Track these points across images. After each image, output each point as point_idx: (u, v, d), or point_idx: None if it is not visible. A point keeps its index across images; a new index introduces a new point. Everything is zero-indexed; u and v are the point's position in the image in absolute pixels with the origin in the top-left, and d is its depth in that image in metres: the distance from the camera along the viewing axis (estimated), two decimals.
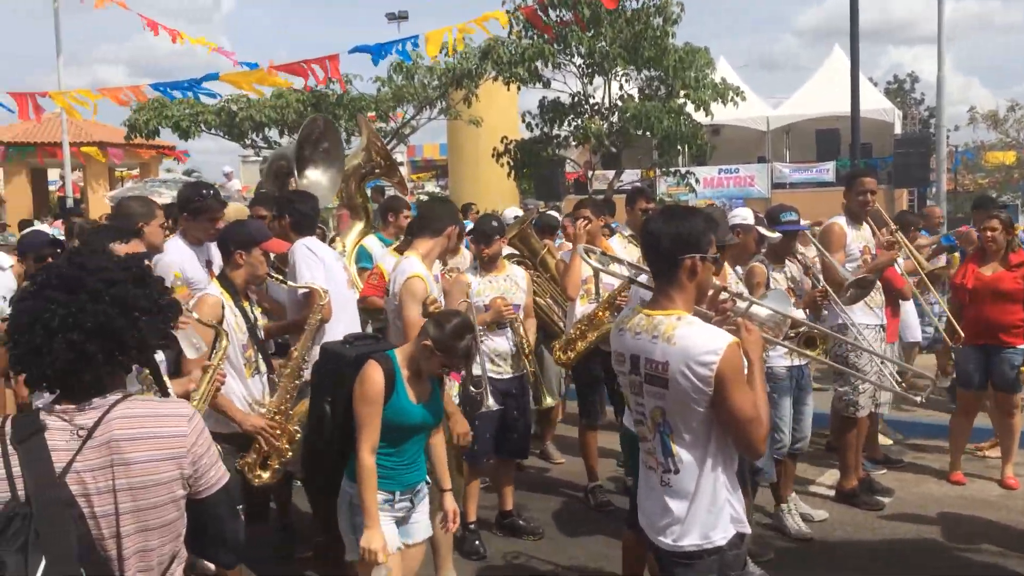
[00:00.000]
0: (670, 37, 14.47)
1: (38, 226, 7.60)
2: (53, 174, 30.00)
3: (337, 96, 16.28)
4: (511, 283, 5.32)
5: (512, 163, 16.02)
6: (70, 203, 17.27)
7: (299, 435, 4.24)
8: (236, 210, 6.32)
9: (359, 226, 6.39)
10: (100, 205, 21.95)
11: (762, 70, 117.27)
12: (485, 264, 5.30)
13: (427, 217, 4.91)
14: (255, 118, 16.12)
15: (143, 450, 2.06)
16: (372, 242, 6.34)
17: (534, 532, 5.45)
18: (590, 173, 17.32)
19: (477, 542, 5.17)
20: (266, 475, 4.15)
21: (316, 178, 6.03)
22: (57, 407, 2.08)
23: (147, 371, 3.47)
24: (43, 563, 1.89)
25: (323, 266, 4.69)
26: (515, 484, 5.67)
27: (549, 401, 5.69)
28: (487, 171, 18.86)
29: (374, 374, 3.46)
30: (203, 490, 2.18)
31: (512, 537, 5.42)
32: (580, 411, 6.11)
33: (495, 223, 5.35)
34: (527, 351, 5.28)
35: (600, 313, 5.58)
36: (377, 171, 6.52)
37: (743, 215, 5.17)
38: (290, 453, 4.19)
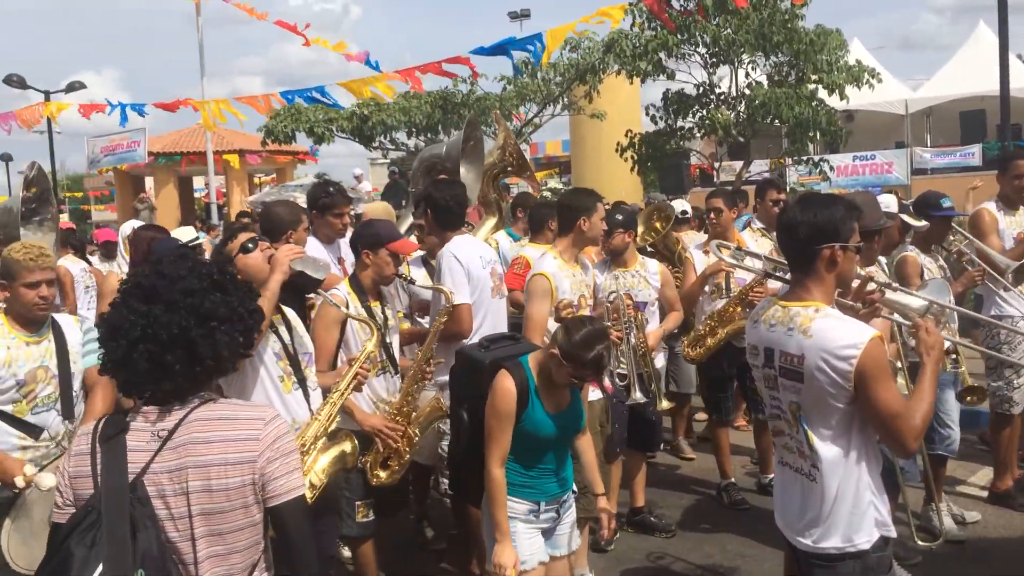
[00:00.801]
0: (800, 20, 13.99)
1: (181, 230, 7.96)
2: (198, 182, 31.76)
3: (463, 96, 16.53)
4: (639, 279, 5.17)
5: (636, 157, 15.85)
6: (215, 209, 18.18)
7: (417, 438, 4.20)
8: (383, 209, 6.48)
9: (492, 222, 6.47)
10: (240, 210, 23.04)
11: (899, 51, 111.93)
12: (613, 258, 5.23)
13: (560, 213, 4.84)
14: (385, 121, 16.56)
15: (215, 452, 2.05)
16: (501, 237, 6.44)
17: (666, 529, 5.37)
18: (716, 164, 16.94)
19: None
20: (384, 475, 4.12)
21: (462, 175, 6.11)
22: (143, 409, 2.12)
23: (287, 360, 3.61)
24: (101, 566, 1.92)
25: (468, 277, 4.52)
26: (646, 481, 5.60)
27: (664, 404, 5.47)
28: (610, 166, 18.74)
29: (507, 386, 3.32)
30: (271, 498, 2.12)
31: (643, 534, 5.37)
32: (710, 408, 6.00)
33: (618, 216, 5.19)
34: (641, 351, 5.00)
35: (731, 309, 5.45)
36: (509, 168, 6.57)
37: (886, 202, 4.96)
38: (408, 456, 4.16)
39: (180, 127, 27.74)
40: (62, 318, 3.81)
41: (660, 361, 5.21)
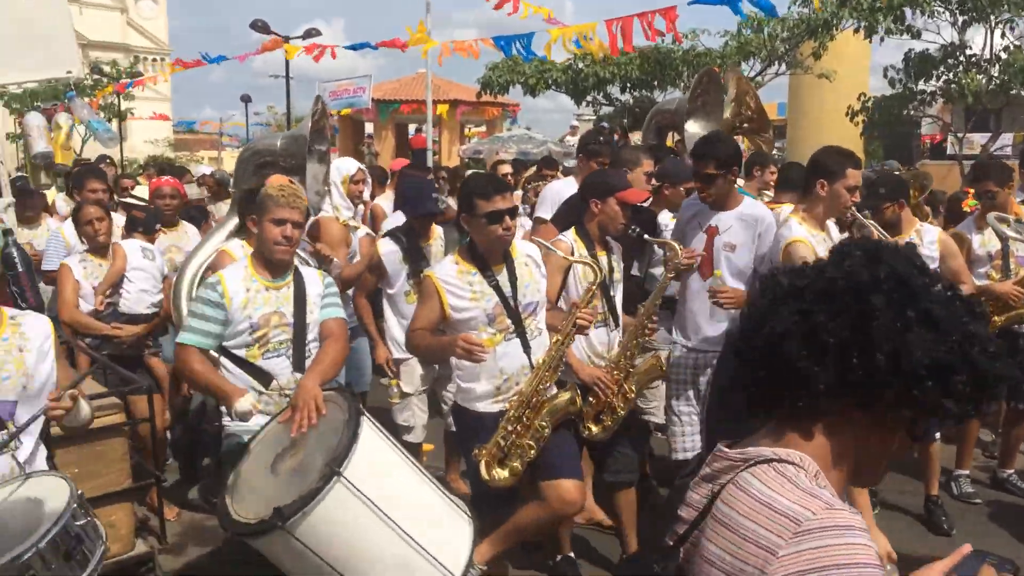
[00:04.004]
0: None
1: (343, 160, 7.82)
2: (412, 131, 32.91)
3: (682, 52, 16.04)
4: None
5: (866, 122, 14.81)
6: (430, 155, 18.75)
7: (632, 395, 4.09)
8: None
9: None
10: (453, 159, 23.74)
11: None
12: (886, 229, 4.60)
13: (807, 172, 4.30)
14: (599, 74, 16.38)
15: (719, 545, 1.39)
16: None
17: None
18: (960, 135, 15.48)
19: None
20: (596, 429, 4.05)
21: (695, 132, 5.86)
22: (718, 450, 1.50)
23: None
24: None
25: None
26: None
27: None
28: (831, 130, 17.67)
29: None
30: None
31: None
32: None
33: (881, 189, 4.74)
34: None
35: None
36: (746, 125, 6.23)
37: None
38: (621, 411, 4.05)
39: (400, 76, 28.81)
40: (306, 270, 3.73)
41: None
